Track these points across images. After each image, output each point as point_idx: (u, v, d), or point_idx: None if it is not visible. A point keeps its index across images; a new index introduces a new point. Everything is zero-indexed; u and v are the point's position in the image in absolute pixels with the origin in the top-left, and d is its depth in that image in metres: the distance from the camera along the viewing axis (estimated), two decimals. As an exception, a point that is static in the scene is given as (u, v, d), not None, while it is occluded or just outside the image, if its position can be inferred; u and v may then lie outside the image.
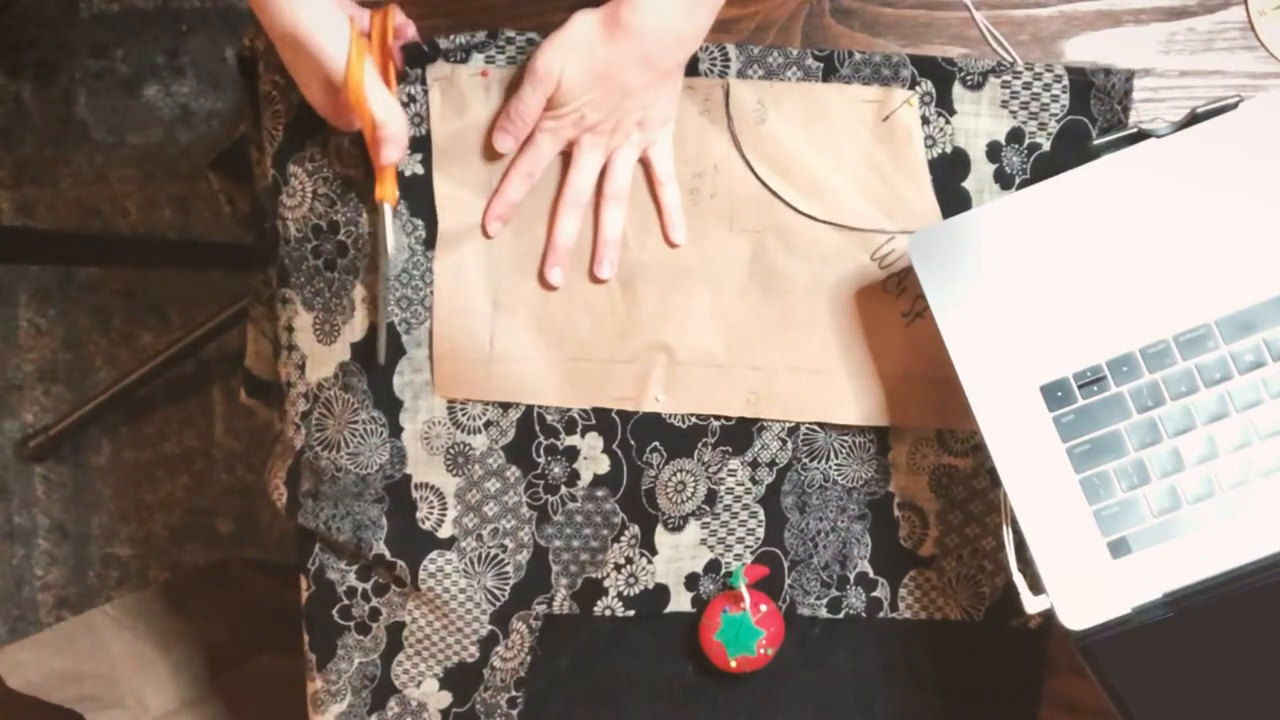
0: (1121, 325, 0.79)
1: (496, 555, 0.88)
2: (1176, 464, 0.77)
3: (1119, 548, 0.77)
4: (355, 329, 0.87)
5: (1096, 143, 0.81)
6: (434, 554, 0.88)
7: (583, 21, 0.83)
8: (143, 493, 1.71)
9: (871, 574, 0.88)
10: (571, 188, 0.86)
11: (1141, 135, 0.81)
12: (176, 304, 1.71)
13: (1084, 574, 0.77)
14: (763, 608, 0.87)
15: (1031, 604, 0.78)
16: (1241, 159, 0.79)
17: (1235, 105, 0.79)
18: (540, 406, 0.88)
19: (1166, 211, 0.79)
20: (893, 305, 0.87)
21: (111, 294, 1.71)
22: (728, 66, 0.86)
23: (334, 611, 0.89)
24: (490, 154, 0.86)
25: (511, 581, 0.88)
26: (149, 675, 1.13)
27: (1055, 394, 0.79)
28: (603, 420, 0.88)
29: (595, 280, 0.87)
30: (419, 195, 0.86)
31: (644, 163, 0.86)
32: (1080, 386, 0.79)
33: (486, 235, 0.86)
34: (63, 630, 1.11)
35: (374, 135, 0.81)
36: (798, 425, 0.87)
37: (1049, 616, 0.86)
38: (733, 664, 0.86)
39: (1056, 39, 0.86)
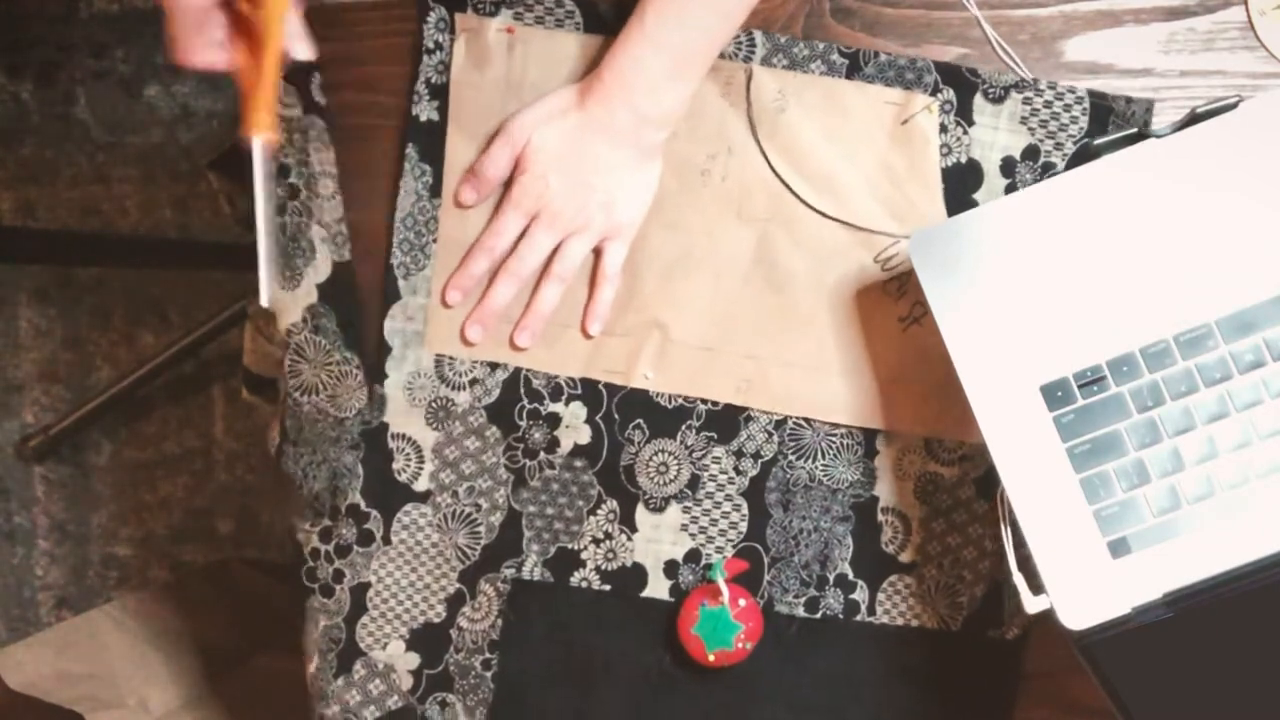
0: (1121, 325, 0.79)
1: (470, 514, 0.88)
2: (1176, 464, 0.77)
3: (1119, 548, 0.77)
4: (319, 270, 0.87)
5: (1096, 143, 0.81)
6: (409, 506, 0.88)
7: (564, 89, 0.84)
8: (143, 493, 1.71)
9: (851, 576, 0.88)
10: (516, 258, 0.86)
11: (1141, 135, 0.81)
12: (176, 304, 1.70)
13: (1084, 574, 0.77)
14: (741, 602, 0.87)
15: (1031, 604, 0.78)
16: (1241, 159, 0.79)
17: (1235, 105, 0.79)
18: (528, 370, 0.88)
19: (1166, 211, 0.79)
20: (891, 308, 0.87)
21: (111, 294, 1.71)
22: (753, 52, 0.86)
23: (301, 574, 0.89)
24: (504, 113, 0.86)
25: (483, 542, 0.88)
26: (149, 675, 1.13)
27: (1055, 394, 0.79)
28: (589, 391, 0.88)
29: (514, 347, 0.87)
30: (431, 142, 0.87)
31: (596, 252, 0.87)
32: (1080, 386, 0.79)
33: (446, 304, 0.87)
34: (63, 630, 1.11)
35: (277, 50, 0.74)
36: (785, 419, 0.88)
37: (1025, 630, 0.87)
38: (711, 658, 0.86)
39: (1057, 39, 0.86)
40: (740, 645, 0.86)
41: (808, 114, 0.86)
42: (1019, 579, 0.80)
